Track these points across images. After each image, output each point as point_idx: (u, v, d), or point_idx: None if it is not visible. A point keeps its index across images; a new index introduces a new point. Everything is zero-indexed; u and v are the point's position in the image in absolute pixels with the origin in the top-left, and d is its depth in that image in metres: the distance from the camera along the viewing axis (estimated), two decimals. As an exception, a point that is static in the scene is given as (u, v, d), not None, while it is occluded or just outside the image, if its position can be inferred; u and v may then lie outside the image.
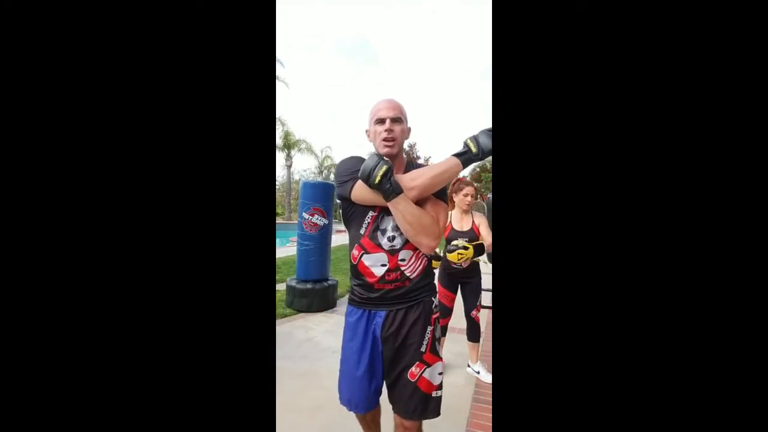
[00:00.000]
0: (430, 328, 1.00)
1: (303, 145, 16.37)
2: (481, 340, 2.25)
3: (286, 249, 6.49)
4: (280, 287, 3.76)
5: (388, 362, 1.00)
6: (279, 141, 15.67)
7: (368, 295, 1.00)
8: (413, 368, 0.97)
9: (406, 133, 1.03)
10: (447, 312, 2.26)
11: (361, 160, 0.96)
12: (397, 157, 1.00)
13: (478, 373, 2.19)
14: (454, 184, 2.23)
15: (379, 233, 0.97)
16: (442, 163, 0.94)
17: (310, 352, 2.34)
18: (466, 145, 0.93)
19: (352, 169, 0.96)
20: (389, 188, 0.89)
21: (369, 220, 0.97)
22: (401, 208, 0.90)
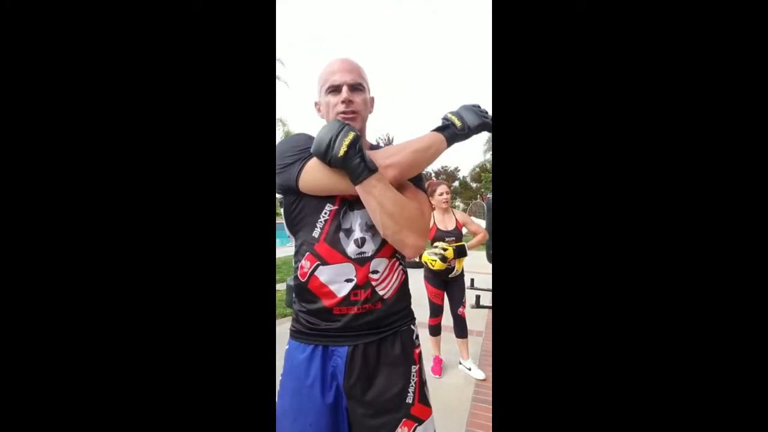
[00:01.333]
0: (415, 368, 0.71)
1: (303, 145, 16.37)
2: (469, 336, 2.26)
3: (286, 249, 6.49)
4: (280, 287, 3.75)
5: (355, 421, 0.68)
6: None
7: (323, 324, 0.69)
8: (398, 430, 0.67)
9: (370, 105, 0.76)
10: (438, 311, 2.26)
11: (308, 136, 0.70)
12: (361, 137, 0.70)
13: (470, 369, 2.19)
14: (427, 188, 2.18)
15: (342, 235, 0.68)
16: (423, 138, 0.70)
17: (310, 352, 2.33)
18: (446, 119, 0.72)
19: (299, 146, 0.68)
20: (359, 164, 0.62)
21: (327, 218, 0.68)
22: (378, 193, 0.63)
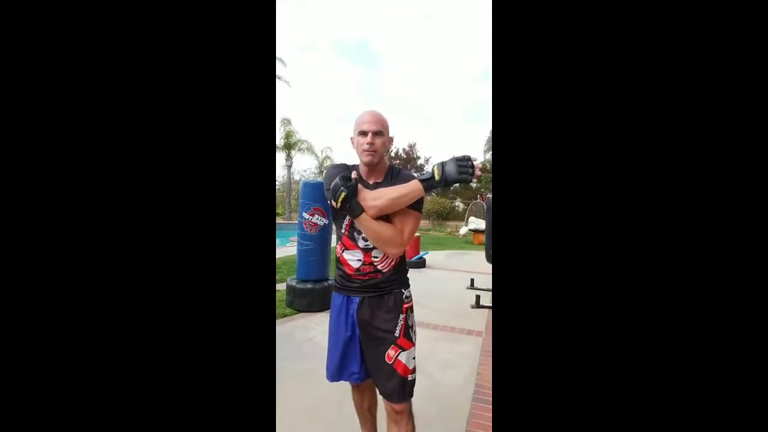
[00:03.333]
0: (402, 316, 1.13)
1: (304, 145, 16.38)
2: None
3: (286, 249, 6.50)
4: (280, 287, 3.76)
5: (365, 343, 1.15)
6: (280, 141, 15.67)
7: (347, 283, 1.16)
8: (389, 351, 1.10)
9: (387, 144, 1.16)
10: None
11: (339, 170, 1.09)
12: (379, 164, 1.13)
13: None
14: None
15: (355, 233, 1.12)
16: (405, 186, 1.04)
17: (310, 352, 2.34)
18: (431, 171, 1.04)
19: (330, 179, 1.08)
20: (350, 209, 1.02)
21: (347, 223, 1.12)
22: (363, 226, 1.04)
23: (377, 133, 1.09)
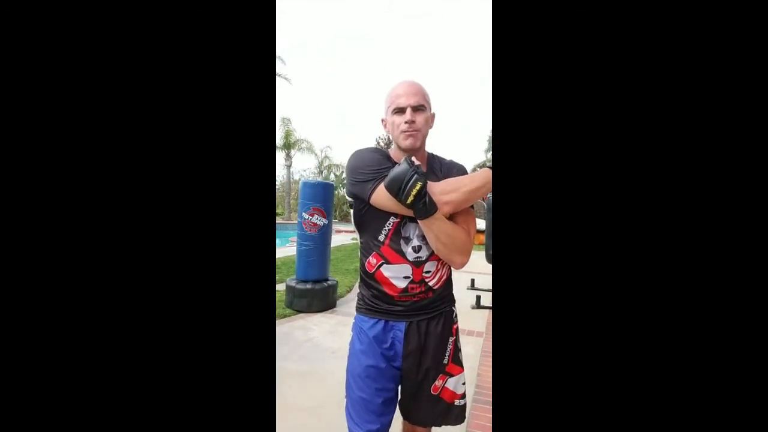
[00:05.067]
0: (451, 339, 0.92)
1: (304, 145, 16.37)
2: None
3: (285, 249, 6.49)
4: (280, 287, 3.76)
5: (407, 376, 0.89)
6: (279, 140, 15.65)
7: (386, 306, 0.88)
8: (436, 382, 0.89)
9: (431, 121, 0.88)
10: None
11: (383, 155, 0.85)
12: (420, 150, 0.87)
13: None
14: None
15: (402, 242, 0.84)
16: (477, 176, 0.81)
17: (310, 353, 2.34)
18: None
19: (373, 167, 0.82)
20: (422, 208, 0.76)
21: (390, 227, 0.84)
22: (435, 229, 0.79)
23: (418, 108, 0.83)
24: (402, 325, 0.87)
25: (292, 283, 3.29)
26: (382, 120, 0.92)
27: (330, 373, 1.98)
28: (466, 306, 3.15)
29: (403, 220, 0.84)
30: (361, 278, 0.92)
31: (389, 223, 0.84)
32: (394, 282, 0.86)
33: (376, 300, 0.89)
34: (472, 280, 3.65)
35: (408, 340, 0.87)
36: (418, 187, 0.74)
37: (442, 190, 0.80)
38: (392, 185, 0.76)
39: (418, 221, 0.80)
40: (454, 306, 0.96)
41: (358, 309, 0.94)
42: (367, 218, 0.87)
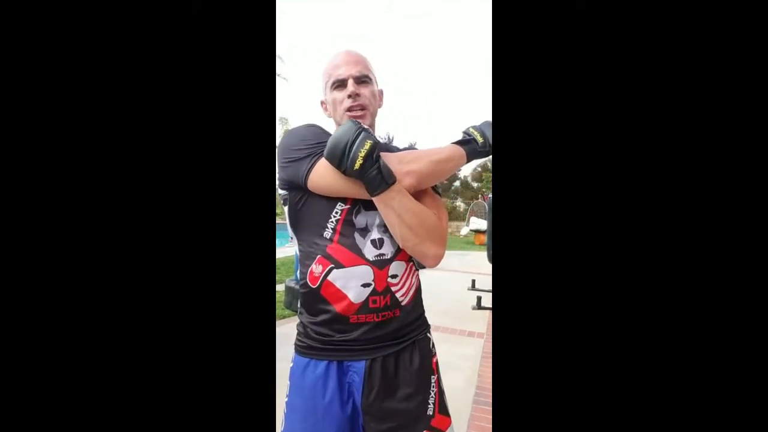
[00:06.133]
0: (434, 378, 0.68)
1: (304, 144, 16.33)
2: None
3: (285, 249, 6.49)
4: (279, 288, 3.75)
5: None
6: (280, 140, 15.64)
7: (338, 336, 0.63)
8: None
9: (379, 98, 0.72)
10: None
11: (320, 130, 0.67)
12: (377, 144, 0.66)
13: None
14: None
15: (357, 235, 0.63)
16: (443, 149, 0.66)
17: (310, 353, 2.33)
18: (468, 134, 0.67)
19: (310, 141, 0.63)
20: (377, 176, 0.58)
21: (338, 217, 0.63)
22: (396, 205, 0.60)
23: (362, 79, 0.67)
24: (360, 366, 0.63)
25: (292, 284, 3.29)
26: (321, 102, 0.74)
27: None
28: (467, 307, 3.15)
29: (355, 205, 0.64)
30: (302, 302, 0.69)
31: (336, 213, 0.63)
32: (348, 294, 0.62)
33: (324, 329, 0.64)
34: (473, 281, 3.65)
35: (370, 385, 0.62)
36: (367, 146, 0.57)
37: (401, 159, 0.63)
38: (334, 150, 0.58)
39: (374, 200, 0.60)
40: (429, 332, 0.72)
41: (297, 347, 0.69)
42: (307, 212, 0.65)
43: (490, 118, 0.74)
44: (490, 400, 1.81)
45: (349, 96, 0.66)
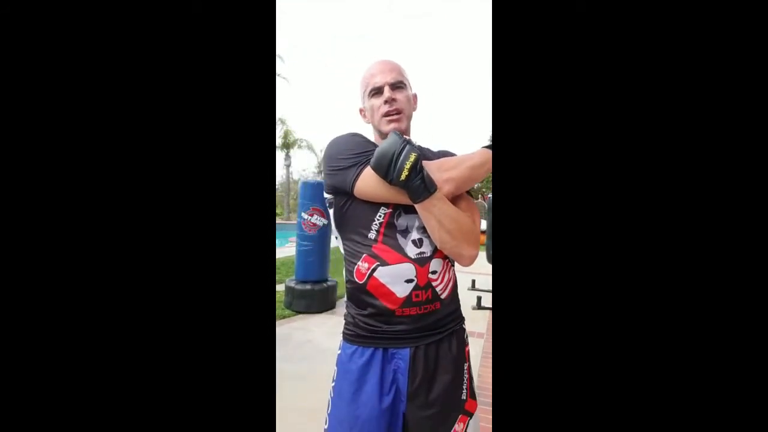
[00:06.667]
0: (466, 366, 0.74)
1: (303, 143, 16.35)
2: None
3: (285, 249, 6.48)
4: (279, 288, 3.75)
5: (415, 423, 0.69)
6: (278, 140, 15.65)
7: (383, 327, 0.69)
8: (456, 425, 0.70)
9: (413, 101, 0.77)
10: None
11: (364, 140, 0.73)
12: (406, 134, 0.74)
13: None
14: None
15: (399, 236, 0.69)
16: (475, 154, 0.69)
17: (310, 354, 2.33)
18: None
19: (355, 150, 0.69)
20: (420, 185, 0.63)
21: (382, 220, 0.69)
22: (437, 212, 0.65)
23: (397, 85, 0.72)
24: (406, 353, 0.68)
25: (292, 284, 3.29)
26: (360, 110, 0.79)
27: (330, 375, 1.97)
28: (467, 307, 3.15)
29: (397, 210, 0.70)
30: (349, 296, 0.75)
31: (380, 216, 0.69)
32: (393, 289, 0.67)
33: (371, 321, 0.70)
34: (473, 281, 3.65)
35: (414, 372, 0.68)
36: (412, 158, 0.62)
37: (440, 167, 0.68)
38: (380, 162, 0.63)
39: (416, 206, 0.66)
40: (463, 323, 0.78)
41: (345, 335, 0.75)
42: (352, 215, 0.71)
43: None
44: (490, 400, 1.81)
45: (386, 102, 0.72)
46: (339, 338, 0.80)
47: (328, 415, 0.75)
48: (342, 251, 0.76)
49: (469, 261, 0.71)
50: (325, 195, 0.76)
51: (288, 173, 16.70)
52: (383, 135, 0.73)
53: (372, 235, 0.70)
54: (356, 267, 0.70)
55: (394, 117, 0.72)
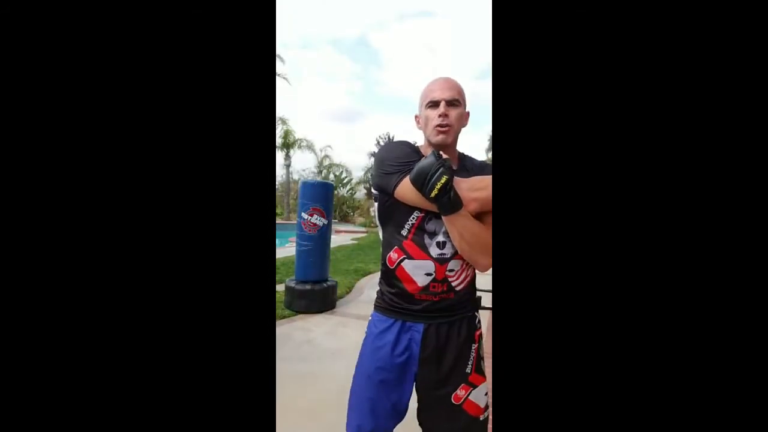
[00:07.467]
0: (474, 346, 0.88)
1: (303, 143, 16.32)
2: None
3: (285, 249, 6.48)
4: (279, 288, 3.75)
5: (424, 385, 0.86)
6: (278, 140, 15.62)
7: (406, 305, 0.85)
8: (458, 391, 0.85)
9: (465, 119, 0.87)
10: None
11: (412, 149, 0.85)
12: (451, 147, 0.86)
13: None
14: None
15: (426, 237, 0.82)
16: None
17: (310, 354, 2.33)
18: None
19: (401, 159, 0.81)
20: (447, 203, 0.74)
21: (414, 221, 0.83)
22: (459, 226, 0.77)
23: (452, 102, 0.82)
24: (420, 327, 0.84)
25: (292, 284, 3.29)
26: (416, 116, 0.90)
27: (330, 375, 1.97)
28: (465, 306, 3.14)
29: (428, 215, 0.82)
30: (382, 274, 0.92)
31: (413, 218, 0.83)
32: (415, 278, 0.83)
33: (396, 298, 0.86)
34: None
35: (425, 343, 0.84)
36: (443, 180, 0.72)
37: (470, 187, 0.78)
38: (417, 178, 0.74)
39: (443, 217, 0.78)
40: (477, 311, 0.92)
41: (376, 306, 0.92)
42: (391, 212, 0.85)
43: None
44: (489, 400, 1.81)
45: (440, 115, 0.82)
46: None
47: (357, 366, 0.91)
48: (380, 238, 0.91)
49: (484, 268, 0.82)
50: (373, 190, 0.91)
51: (288, 173, 16.67)
52: (431, 143, 0.85)
53: (404, 232, 0.84)
54: (388, 255, 0.86)
55: (444, 129, 0.82)
